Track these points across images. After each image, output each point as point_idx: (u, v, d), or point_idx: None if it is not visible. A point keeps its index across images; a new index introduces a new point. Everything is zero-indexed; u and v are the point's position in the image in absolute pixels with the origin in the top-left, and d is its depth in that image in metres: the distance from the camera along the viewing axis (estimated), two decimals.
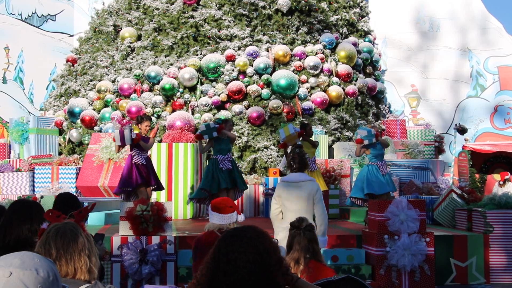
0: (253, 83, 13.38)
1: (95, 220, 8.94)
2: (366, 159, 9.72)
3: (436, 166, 13.09)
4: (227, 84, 13.28)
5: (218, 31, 14.17)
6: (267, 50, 13.95)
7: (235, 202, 8.62)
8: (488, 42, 21.53)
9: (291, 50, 14.09)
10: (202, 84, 13.50)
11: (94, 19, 16.43)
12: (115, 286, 4.55)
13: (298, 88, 13.66)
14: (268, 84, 13.48)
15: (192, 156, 10.37)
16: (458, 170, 14.35)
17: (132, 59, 14.34)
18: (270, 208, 5.44)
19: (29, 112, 19.94)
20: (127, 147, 8.69)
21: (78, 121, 13.85)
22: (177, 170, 10.26)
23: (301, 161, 5.33)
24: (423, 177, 12.66)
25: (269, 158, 12.40)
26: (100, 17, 16.19)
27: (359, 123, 14.06)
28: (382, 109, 15.91)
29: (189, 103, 13.21)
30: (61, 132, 14.31)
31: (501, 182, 12.21)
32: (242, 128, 12.67)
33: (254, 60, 13.68)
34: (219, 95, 13.16)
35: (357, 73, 15.06)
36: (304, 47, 14.27)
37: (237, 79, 13.38)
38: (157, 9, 14.69)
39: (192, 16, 14.30)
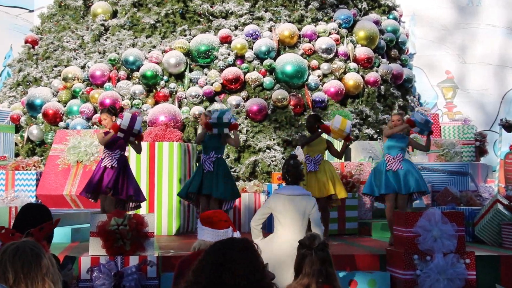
0: (253, 70, 13.38)
1: (59, 236, 8.90)
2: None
3: (477, 171, 13.06)
4: (221, 71, 13.27)
5: (211, 7, 14.15)
6: (270, 29, 13.94)
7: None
8: None
9: (299, 29, 14.09)
10: (191, 71, 13.49)
11: None
12: None
13: (308, 76, 13.65)
14: (271, 71, 13.47)
15: (179, 158, 10.35)
16: (504, 175, 14.26)
17: (105, 40, 14.33)
18: (254, 216, 5.86)
19: None
20: (101, 146, 8.68)
21: (40, 115, 13.84)
22: (161, 176, 10.24)
23: (295, 174, 5.86)
24: (461, 184, 12.63)
25: (272, 161, 12.38)
26: None
27: (381, 118, 14.05)
28: (410, 101, 15.90)
29: (176, 94, 13.20)
30: (18, 129, 14.30)
31: None
32: (240, 125, 12.66)
33: (254, 42, 13.67)
34: (211, 84, 13.15)
35: (380, 57, 15.05)
36: (315, 26, 14.26)
37: (233, 65, 13.37)
38: None
39: None
